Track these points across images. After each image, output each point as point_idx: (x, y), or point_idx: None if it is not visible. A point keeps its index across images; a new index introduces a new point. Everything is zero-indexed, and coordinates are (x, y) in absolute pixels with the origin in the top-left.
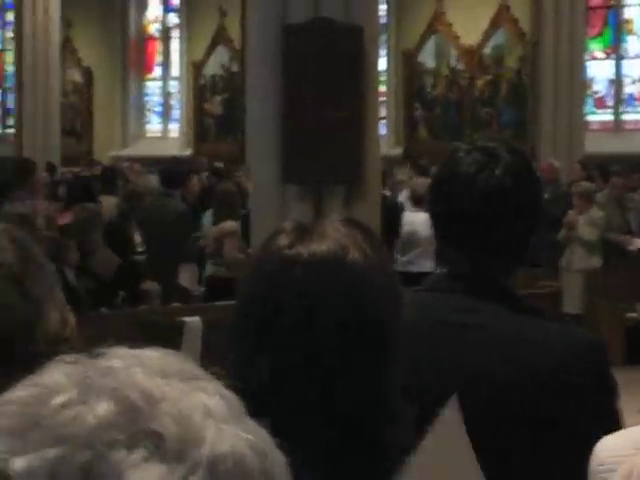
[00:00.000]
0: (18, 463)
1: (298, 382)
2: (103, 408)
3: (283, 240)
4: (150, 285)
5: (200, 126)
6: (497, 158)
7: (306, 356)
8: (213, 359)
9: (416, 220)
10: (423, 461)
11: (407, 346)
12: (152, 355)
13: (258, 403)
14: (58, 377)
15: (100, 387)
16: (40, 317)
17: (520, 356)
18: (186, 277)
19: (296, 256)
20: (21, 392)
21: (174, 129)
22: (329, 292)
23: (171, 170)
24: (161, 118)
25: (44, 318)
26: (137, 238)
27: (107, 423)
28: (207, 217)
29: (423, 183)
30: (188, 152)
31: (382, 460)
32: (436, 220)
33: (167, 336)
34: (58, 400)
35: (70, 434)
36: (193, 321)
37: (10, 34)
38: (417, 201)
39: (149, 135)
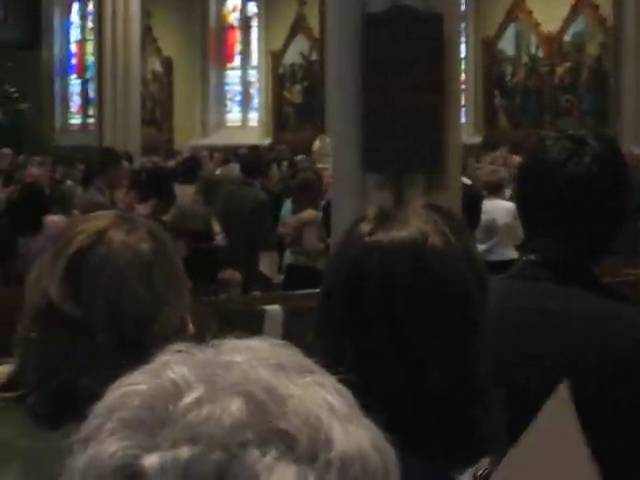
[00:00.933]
0: (150, 460)
1: (383, 363)
2: (236, 407)
3: (365, 227)
4: (230, 274)
5: (279, 115)
6: (585, 146)
7: (389, 337)
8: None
9: (494, 209)
10: (528, 449)
11: (494, 332)
12: (267, 347)
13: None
14: (181, 371)
15: (226, 383)
16: (159, 314)
17: (606, 342)
18: (266, 266)
19: (376, 242)
20: (142, 385)
21: (253, 118)
22: (408, 276)
23: (251, 159)
24: (241, 107)
25: (163, 316)
26: (216, 227)
27: (240, 423)
28: (287, 206)
29: (495, 171)
30: (268, 141)
31: (472, 438)
32: (523, 207)
33: (248, 325)
34: (188, 398)
35: (203, 433)
36: (273, 309)
37: (91, 24)
38: (493, 190)
39: (229, 124)
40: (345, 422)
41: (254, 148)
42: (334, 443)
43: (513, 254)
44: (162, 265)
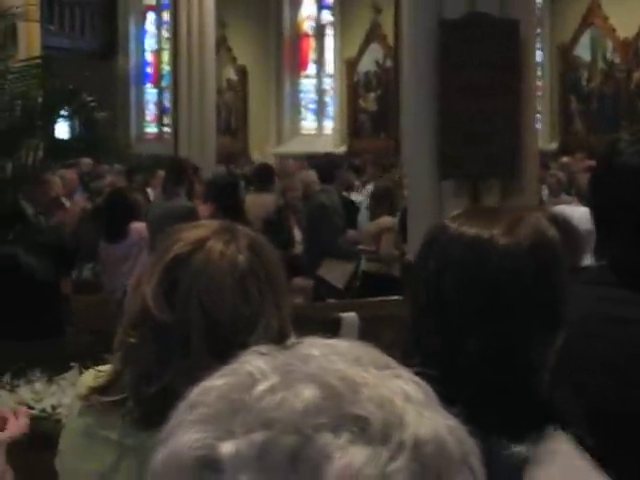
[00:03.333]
0: (226, 447)
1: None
2: (309, 393)
3: (451, 222)
4: (303, 282)
5: (354, 122)
6: None
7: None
8: None
9: (578, 214)
10: None
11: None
12: (345, 344)
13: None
14: (258, 364)
15: (302, 373)
16: (255, 325)
17: None
18: (338, 273)
19: (458, 236)
20: (220, 380)
21: (328, 126)
22: (475, 269)
23: (326, 165)
24: (315, 115)
25: (259, 327)
26: (297, 234)
27: (313, 407)
28: (363, 213)
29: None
30: (342, 149)
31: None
32: (598, 212)
33: (324, 332)
34: (262, 386)
35: (277, 418)
36: (349, 317)
37: (166, 34)
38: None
39: (304, 132)
40: (421, 408)
41: (328, 154)
42: (408, 425)
43: (589, 260)
44: (258, 276)
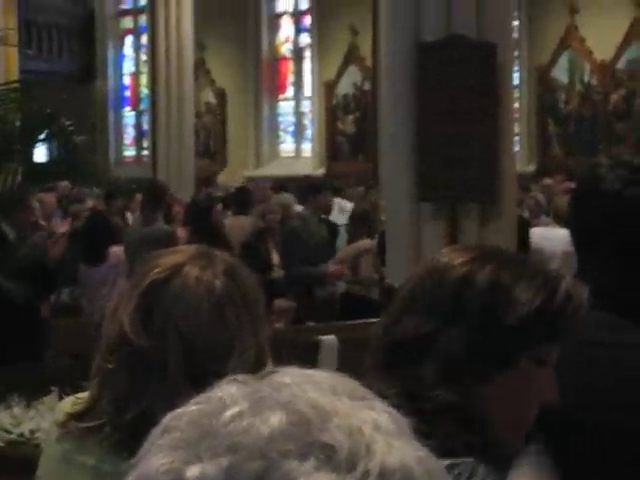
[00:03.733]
0: (192, 471)
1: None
2: (277, 419)
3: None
4: (286, 304)
5: (333, 145)
6: None
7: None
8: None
9: (555, 236)
10: None
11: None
12: (322, 374)
13: None
14: (229, 391)
15: (272, 400)
16: (233, 349)
17: None
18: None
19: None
20: (193, 407)
21: (307, 149)
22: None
23: (305, 188)
24: (294, 138)
25: (236, 352)
26: (275, 258)
27: (280, 433)
28: (342, 235)
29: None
30: (321, 171)
31: None
32: (578, 236)
33: (303, 355)
34: (230, 412)
35: (243, 443)
36: (329, 339)
37: (144, 57)
38: (558, 217)
39: (282, 155)
40: (390, 438)
41: (307, 177)
42: (374, 454)
43: None
44: (235, 301)
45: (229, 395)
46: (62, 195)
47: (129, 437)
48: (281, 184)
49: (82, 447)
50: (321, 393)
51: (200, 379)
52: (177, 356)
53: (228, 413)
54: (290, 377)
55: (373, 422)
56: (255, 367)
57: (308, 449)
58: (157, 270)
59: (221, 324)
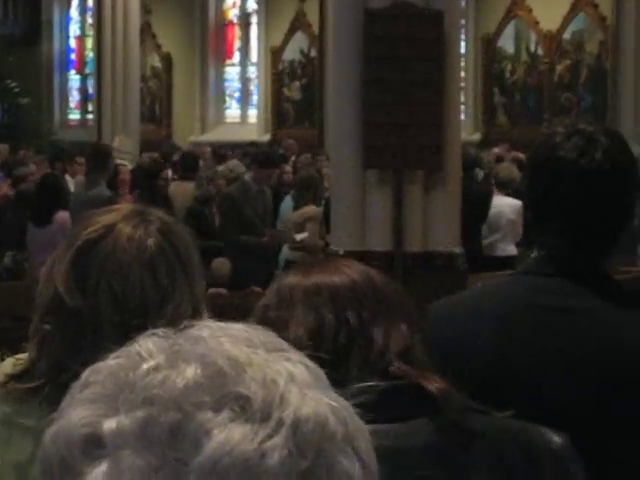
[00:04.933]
0: (108, 424)
1: None
2: (191, 372)
3: None
4: (220, 263)
5: (279, 111)
6: (596, 142)
7: None
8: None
9: (502, 204)
10: None
11: (502, 329)
12: (239, 327)
13: None
14: (147, 345)
15: (188, 353)
16: (165, 306)
17: (629, 341)
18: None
19: None
20: (112, 361)
21: (253, 114)
22: None
23: (264, 155)
24: (240, 103)
25: (170, 308)
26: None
27: (194, 385)
28: (286, 202)
29: (507, 167)
30: (266, 137)
31: None
32: (534, 204)
33: (243, 319)
34: (146, 365)
35: (158, 396)
36: None
37: (90, 20)
38: (502, 186)
39: (228, 120)
40: (305, 389)
41: (253, 144)
42: (288, 404)
43: (513, 250)
44: (168, 259)
45: (146, 349)
46: (3, 158)
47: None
48: (222, 151)
49: (22, 409)
50: (237, 345)
51: (134, 336)
52: (110, 315)
53: (144, 366)
54: (207, 330)
55: (288, 373)
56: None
57: (222, 400)
58: (90, 229)
59: (153, 281)
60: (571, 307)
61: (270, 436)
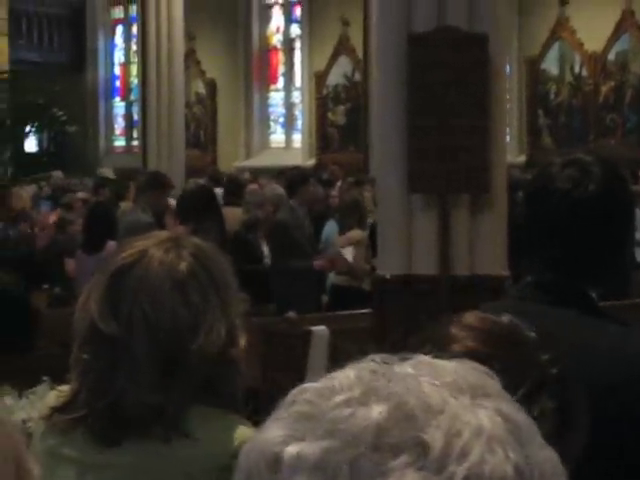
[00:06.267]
0: (291, 448)
1: None
2: (378, 411)
3: None
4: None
5: (323, 136)
6: (590, 174)
7: None
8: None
9: None
10: None
11: None
12: (451, 367)
13: None
14: (350, 375)
15: (382, 391)
16: (198, 330)
17: (585, 366)
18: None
19: None
20: (317, 384)
21: (297, 139)
22: None
23: (295, 177)
24: (284, 129)
25: (203, 332)
26: (265, 249)
27: (377, 426)
28: (330, 226)
29: None
30: (311, 162)
31: None
32: (528, 231)
33: (295, 345)
34: (339, 397)
35: (341, 430)
36: (320, 330)
37: (134, 47)
38: None
39: (273, 146)
40: (494, 444)
41: (296, 167)
42: (466, 458)
43: None
44: (200, 282)
45: (346, 379)
46: (55, 185)
47: (106, 425)
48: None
49: (66, 440)
50: (436, 388)
51: (168, 358)
52: (143, 340)
53: (337, 398)
54: (414, 367)
55: (477, 426)
56: (226, 345)
57: (403, 445)
58: (122, 256)
59: (185, 304)
60: (540, 330)
61: None
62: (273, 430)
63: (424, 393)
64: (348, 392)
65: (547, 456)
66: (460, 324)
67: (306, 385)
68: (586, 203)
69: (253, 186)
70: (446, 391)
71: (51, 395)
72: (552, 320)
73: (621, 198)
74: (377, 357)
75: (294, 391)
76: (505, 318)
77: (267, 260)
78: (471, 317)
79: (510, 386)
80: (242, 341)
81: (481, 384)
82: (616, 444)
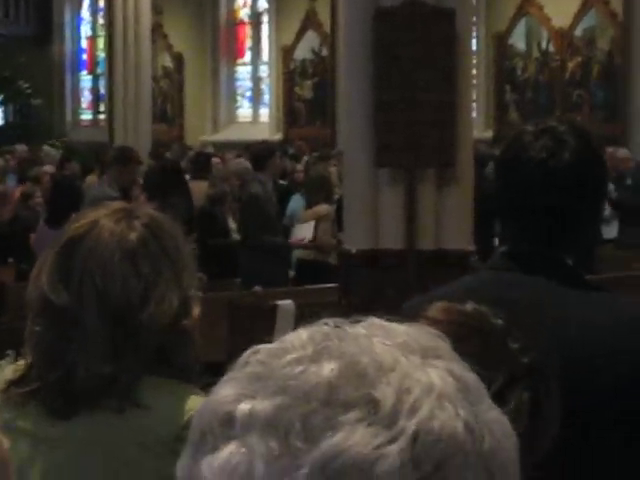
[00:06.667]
0: (242, 406)
1: None
2: (329, 368)
3: None
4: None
5: (290, 110)
6: (565, 143)
7: None
8: None
9: None
10: None
11: None
12: (403, 329)
13: None
14: (302, 336)
15: (334, 350)
16: (147, 298)
17: (580, 337)
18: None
19: None
20: (270, 345)
21: (264, 114)
22: None
23: (262, 152)
24: (251, 103)
25: (154, 301)
26: (231, 224)
27: (328, 383)
28: (295, 201)
29: None
30: (278, 136)
31: None
32: (502, 201)
33: (260, 319)
34: (290, 356)
35: (292, 387)
36: (285, 304)
37: (102, 20)
38: None
39: (240, 120)
40: (443, 400)
41: (263, 141)
42: (415, 414)
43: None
44: (151, 251)
45: (299, 339)
46: (20, 159)
47: (58, 398)
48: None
49: (20, 413)
50: (389, 348)
51: (118, 328)
52: (93, 310)
53: (289, 357)
54: (366, 328)
55: (428, 383)
56: (179, 316)
57: (354, 401)
58: (74, 227)
59: (135, 273)
60: (507, 299)
61: (388, 443)
62: (226, 389)
63: (376, 352)
64: (300, 351)
65: (496, 417)
66: (425, 319)
67: (259, 346)
68: (561, 172)
69: (216, 160)
70: (398, 351)
71: (9, 369)
72: (532, 289)
73: (596, 169)
74: (330, 320)
75: (247, 352)
76: (469, 306)
77: (234, 234)
78: (435, 310)
79: (483, 378)
80: (196, 312)
81: (433, 345)
82: (615, 410)
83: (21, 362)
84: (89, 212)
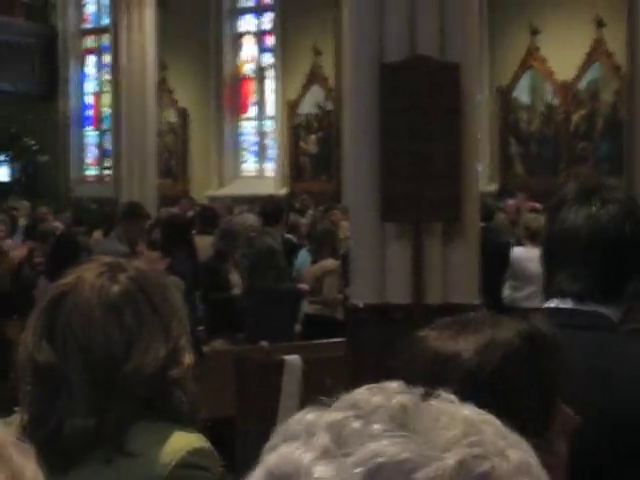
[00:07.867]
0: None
1: None
2: (319, 444)
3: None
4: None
5: (296, 165)
6: (609, 204)
7: None
8: (312, 397)
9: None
10: None
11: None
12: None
13: None
14: (308, 417)
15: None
16: (130, 349)
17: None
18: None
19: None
20: (300, 414)
21: (270, 168)
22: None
23: (270, 207)
24: (257, 157)
25: (137, 350)
26: (233, 277)
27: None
28: (302, 256)
29: (537, 219)
30: (284, 191)
31: None
32: (548, 256)
33: (267, 374)
34: (290, 446)
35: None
36: (293, 359)
37: (107, 76)
38: (534, 236)
39: (245, 174)
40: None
41: (272, 197)
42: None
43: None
44: (134, 301)
45: (309, 422)
46: (30, 216)
47: (48, 455)
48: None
49: None
50: (384, 431)
51: (101, 381)
52: (78, 365)
53: (287, 447)
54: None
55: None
56: (167, 365)
57: None
58: (58, 284)
59: (117, 325)
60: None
61: None
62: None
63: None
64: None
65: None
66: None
67: (295, 417)
68: (607, 224)
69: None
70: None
71: (15, 427)
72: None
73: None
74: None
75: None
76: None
77: (236, 289)
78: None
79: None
80: (187, 360)
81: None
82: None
83: (9, 420)
84: (76, 268)
